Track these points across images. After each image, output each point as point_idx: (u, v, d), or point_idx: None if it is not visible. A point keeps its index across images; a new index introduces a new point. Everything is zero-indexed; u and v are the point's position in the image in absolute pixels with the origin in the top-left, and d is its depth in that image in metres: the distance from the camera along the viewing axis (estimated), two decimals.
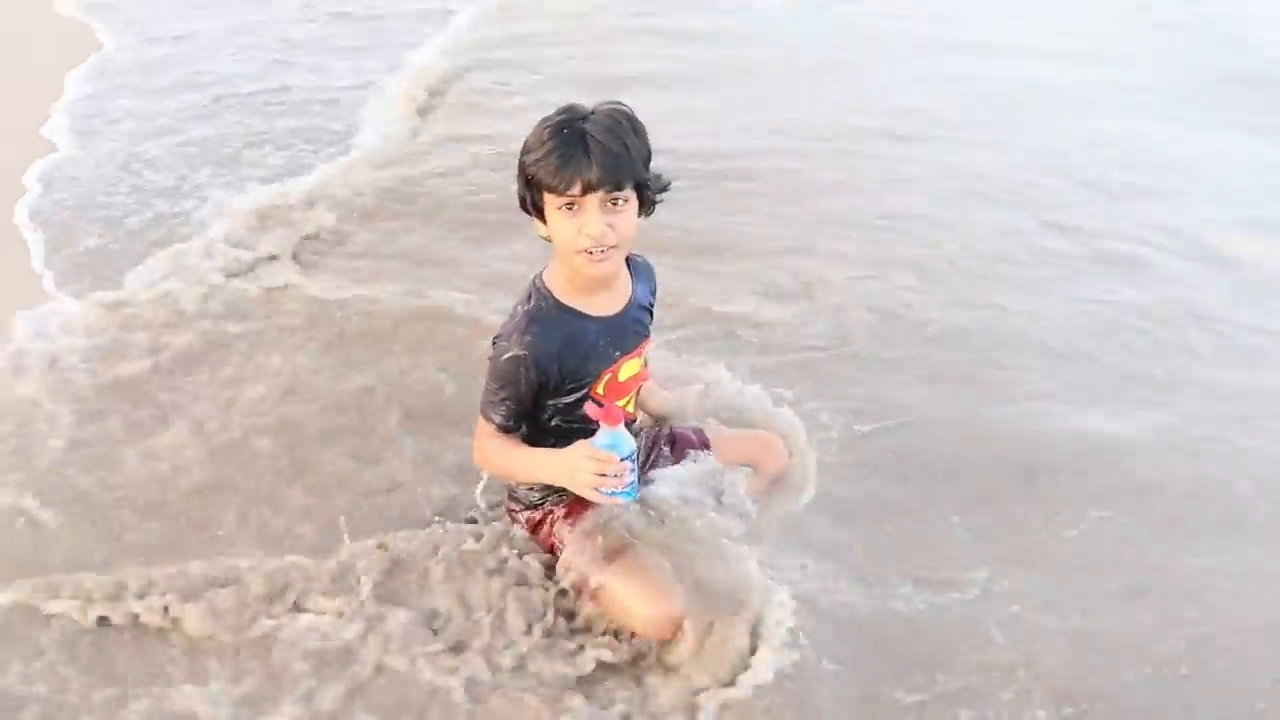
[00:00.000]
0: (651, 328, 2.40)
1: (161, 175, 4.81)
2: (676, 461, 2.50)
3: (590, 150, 1.97)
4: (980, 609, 2.53)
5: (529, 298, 2.19)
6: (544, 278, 2.21)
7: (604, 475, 2.04)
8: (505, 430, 2.23)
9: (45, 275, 3.90)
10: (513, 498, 2.48)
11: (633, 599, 2.20)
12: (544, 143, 1.99)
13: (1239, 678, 2.38)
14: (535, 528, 2.44)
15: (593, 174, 1.97)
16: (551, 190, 2.01)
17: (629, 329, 2.26)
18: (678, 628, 2.19)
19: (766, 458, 2.65)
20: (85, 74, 6.08)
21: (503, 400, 2.20)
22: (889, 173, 5.03)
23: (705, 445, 2.55)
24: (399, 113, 5.55)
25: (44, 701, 2.20)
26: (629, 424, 2.29)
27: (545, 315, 2.16)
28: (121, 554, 2.57)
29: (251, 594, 2.40)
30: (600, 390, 2.23)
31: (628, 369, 2.28)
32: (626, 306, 2.25)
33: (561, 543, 2.33)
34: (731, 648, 2.21)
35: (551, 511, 2.40)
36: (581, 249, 2.04)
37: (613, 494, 2.09)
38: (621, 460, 2.04)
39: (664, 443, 2.54)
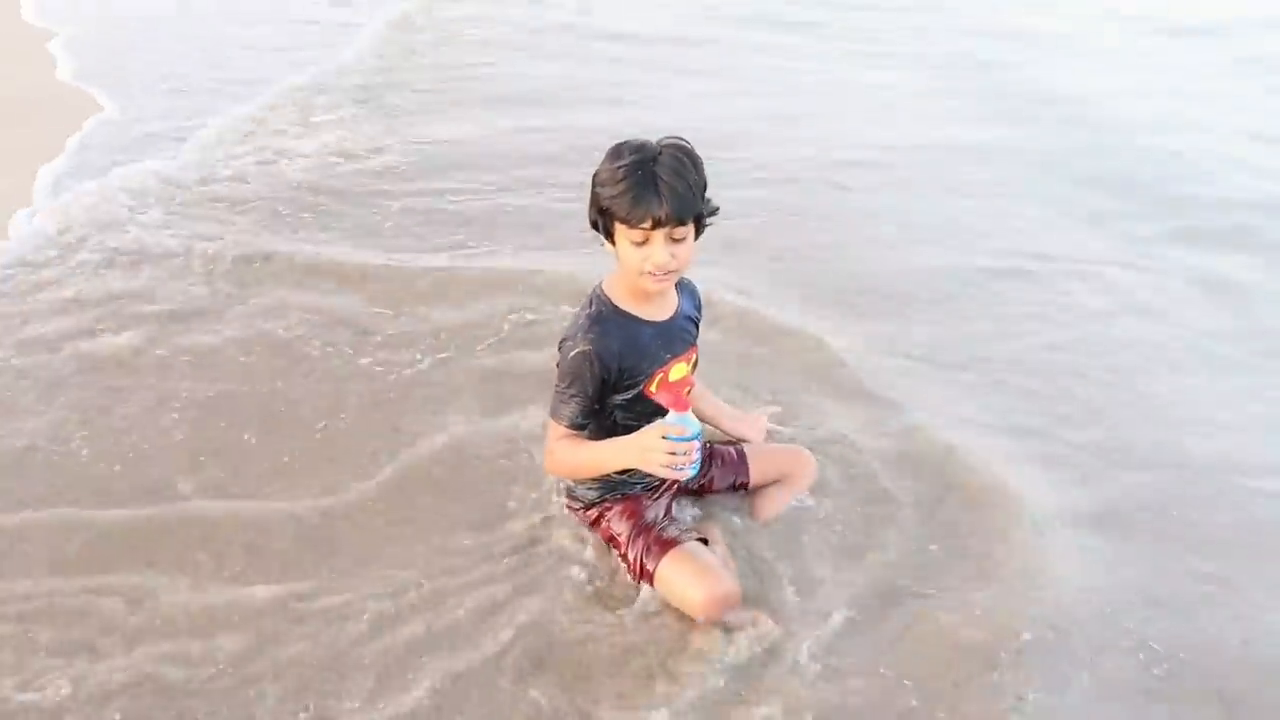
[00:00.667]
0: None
1: None
2: (712, 470, 2.80)
3: (660, 191, 2.23)
4: None
5: (590, 304, 2.47)
6: (604, 287, 2.50)
7: (674, 454, 2.25)
8: (575, 428, 2.46)
9: None
10: (572, 496, 2.72)
11: (689, 583, 2.44)
12: (619, 181, 2.24)
13: None
14: (594, 524, 2.68)
15: (662, 213, 2.24)
16: (624, 223, 2.26)
17: (677, 335, 2.55)
18: (730, 607, 2.43)
19: (798, 470, 2.87)
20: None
21: (572, 397, 2.44)
22: None
23: (743, 458, 2.82)
24: None
25: None
26: None
27: (607, 318, 2.44)
28: None
29: None
30: (654, 388, 2.49)
31: (677, 370, 2.55)
32: (675, 315, 2.55)
33: (618, 535, 2.59)
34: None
35: (609, 507, 2.64)
36: (646, 272, 2.31)
37: (680, 469, 2.28)
38: (689, 440, 2.25)
39: (705, 458, 2.67)
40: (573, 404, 2.43)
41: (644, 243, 2.28)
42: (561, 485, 2.78)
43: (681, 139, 2.33)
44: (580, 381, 2.41)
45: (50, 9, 7.77)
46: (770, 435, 2.99)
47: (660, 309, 2.50)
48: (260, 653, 2.34)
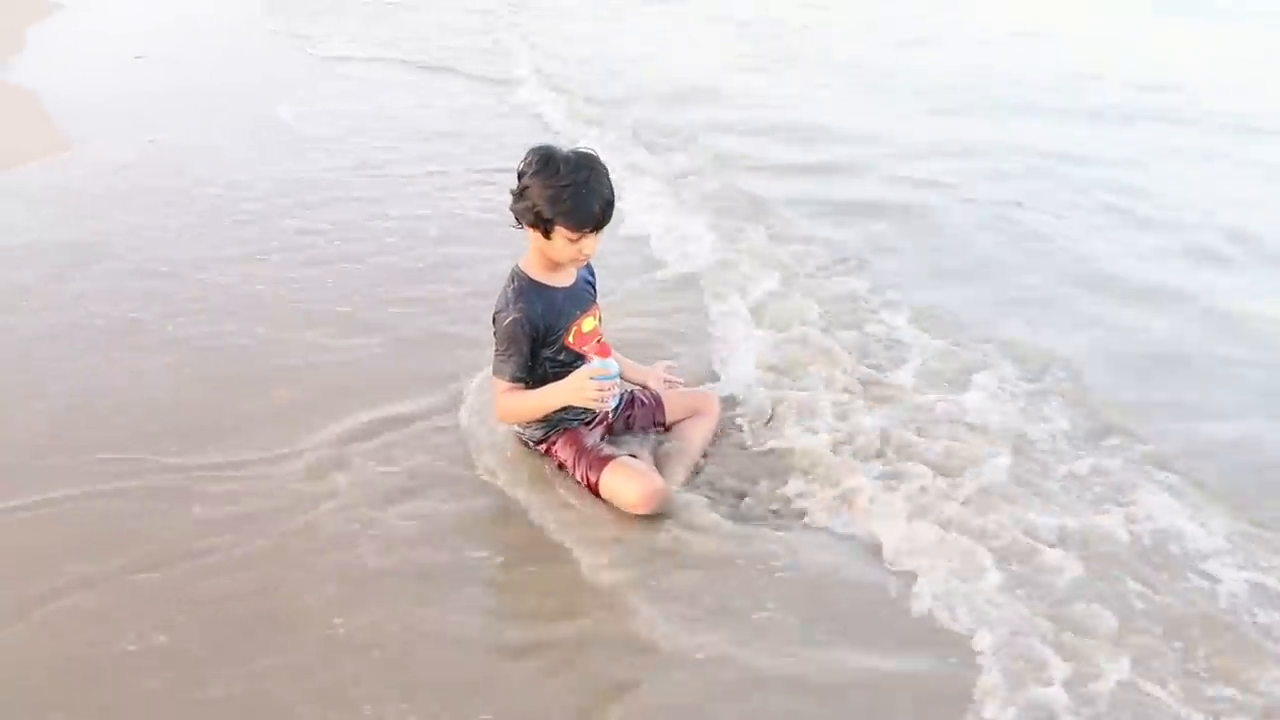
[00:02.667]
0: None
1: None
2: (634, 410, 3.39)
3: (598, 204, 2.90)
4: None
5: (513, 280, 3.07)
6: (521, 266, 3.09)
7: (600, 390, 2.91)
8: (516, 382, 3.04)
9: None
10: (521, 440, 3.27)
11: (626, 485, 3.01)
12: (564, 198, 2.86)
13: None
14: (545, 454, 3.22)
15: (598, 222, 2.93)
16: (567, 225, 2.90)
17: (581, 295, 3.18)
18: (661, 501, 2.99)
19: (707, 408, 3.45)
20: None
21: (510, 357, 3.03)
22: None
23: (659, 402, 3.41)
24: None
25: None
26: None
27: (528, 290, 3.05)
28: None
29: None
30: (570, 339, 3.10)
31: (587, 323, 3.18)
32: (576, 281, 3.17)
33: (565, 459, 3.16)
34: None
35: (554, 440, 3.20)
36: (573, 259, 3.01)
37: (604, 402, 2.94)
38: (611, 379, 2.93)
39: (627, 402, 3.36)
40: (512, 363, 3.03)
41: (577, 238, 2.93)
42: (512, 431, 3.27)
43: (591, 150, 3.02)
44: (516, 343, 3.01)
45: None
46: (669, 385, 3.46)
47: (566, 277, 3.12)
48: None
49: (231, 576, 2.70)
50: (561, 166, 2.88)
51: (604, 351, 2.97)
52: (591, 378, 2.91)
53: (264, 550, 2.80)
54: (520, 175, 2.97)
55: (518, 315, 2.99)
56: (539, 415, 3.11)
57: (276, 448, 3.25)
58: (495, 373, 3.07)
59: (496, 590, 2.76)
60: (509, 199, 3.01)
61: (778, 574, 2.80)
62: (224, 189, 5.58)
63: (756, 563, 2.83)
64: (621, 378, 3.04)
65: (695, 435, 3.36)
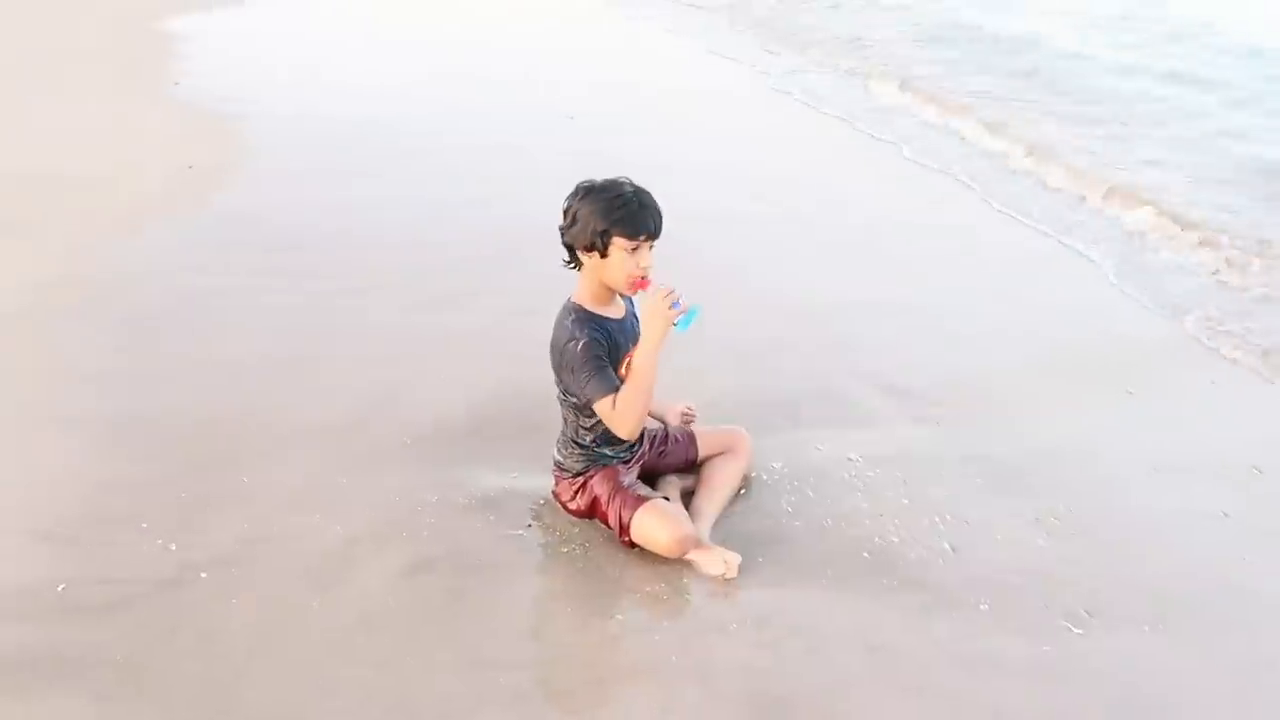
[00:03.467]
0: None
1: None
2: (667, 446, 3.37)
3: (650, 213, 2.93)
4: None
5: (570, 313, 3.03)
6: (574, 299, 3.07)
7: (668, 299, 2.87)
8: (616, 390, 2.96)
9: None
10: (561, 469, 3.21)
11: (659, 528, 2.99)
12: (619, 208, 2.90)
13: None
14: (580, 489, 3.16)
15: (654, 227, 2.94)
16: (625, 237, 2.90)
17: (632, 328, 3.11)
18: (689, 547, 2.98)
19: (739, 446, 3.40)
20: None
21: (599, 369, 2.96)
22: None
23: (692, 439, 3.39)
24: None
25: None
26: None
27: (586, 319, 3.02)
28: None
29: None
30: (624, 370, 3.04)
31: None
32: (626, 315, 3.13)
33: (600, 495, 3.12)
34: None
35: (593, 474, 3.15)
36: (634, 276, 2.94)
37: (687, 321, 2.87)
38: (669, 289, 2.90)
39: (661, 438, 3.37)
40: (604, 373, 2.96)
41: (635, 251, 2.92)
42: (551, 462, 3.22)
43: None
44: (598, 357, 2.96)
45: None
46: (686, 422, 3.42)
47: (617, 310, 3.10)
48: None
49: None
50: (607, 185, 2.97)
51: (643, 283, 2.95)
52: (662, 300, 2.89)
53: None
54: (566, 211, 2.99)
55: (587, 339, 2.97)
56: (651, 387, 2.98)
57: None
58: (595, 394, 2.96)
59: None
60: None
61: None
62: None
63: None
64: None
65: (723, 477, 3.31)
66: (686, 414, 3.42)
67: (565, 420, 3.16)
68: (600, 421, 3.03)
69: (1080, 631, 2.76)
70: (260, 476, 3.32)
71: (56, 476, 3.27)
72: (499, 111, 8.13)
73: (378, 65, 9.51)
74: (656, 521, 2.99)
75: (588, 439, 3.12)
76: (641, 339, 2.95)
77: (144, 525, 3.05)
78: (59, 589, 2.79)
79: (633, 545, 3.03)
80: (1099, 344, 4.58)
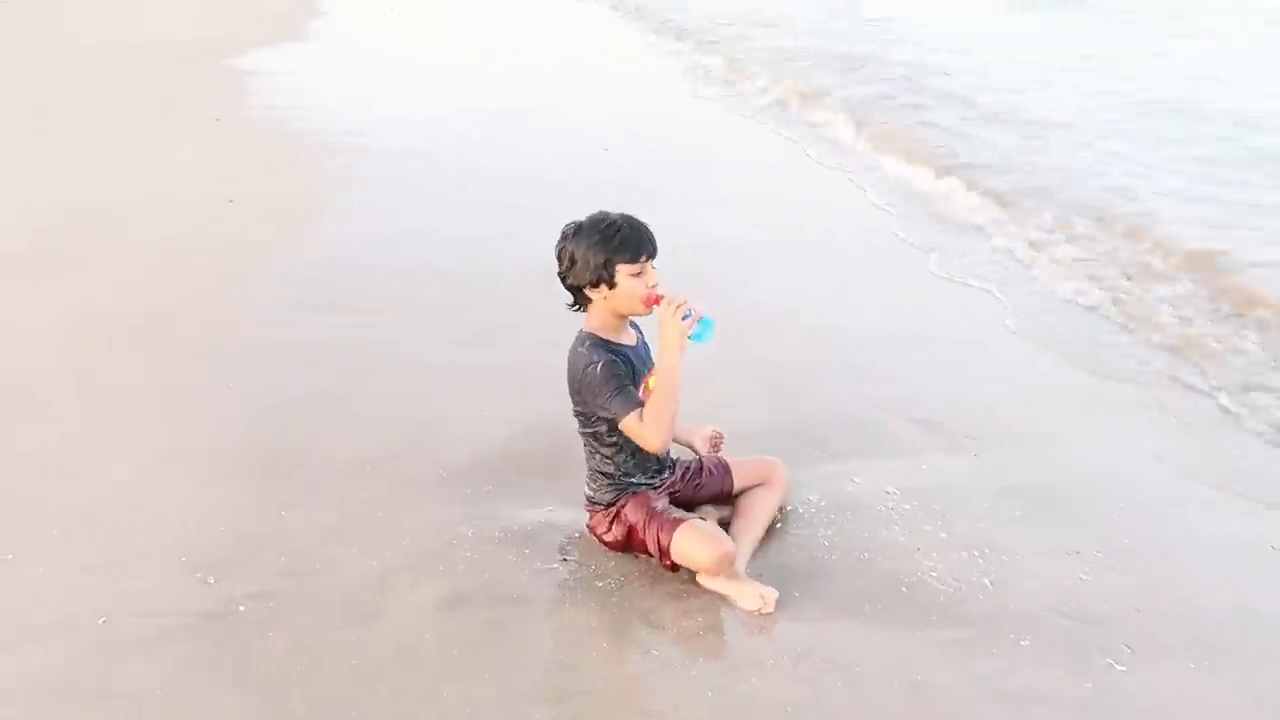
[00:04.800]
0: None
1: None
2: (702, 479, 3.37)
3: (646, 233, 3.01)
4: None
5: (583, 342, 3.07)
6: (585, 329, 3.11)
7: (680, 309, 2.90)
8: (640, 406, 2.98)
9: None
10: (593, 502, 3.23)
11: (698, 547, 3.01)
12: (614, 235, 2.96)
13: None
14: (615, 519, 3.17)
15: (652, 246, 3.02)
16: (629, 262, 2.96)
17: (645, 354, 3.19)
18: (730, 562, 3.00)
19: (775, 476, 3.40)
20: None
21: (621, 388, 2.99)
22: None
23: (727, 469, 3.38)
24: None
25: None
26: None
27: (599, 345, 3.06)
28: None
29: None
30: (641, 394, 3.04)
31: (652, 381, 3.10)
32: (638, 343, 3.20)
33: (635, 522, 3.13)
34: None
35: (625, 502, 3.16)
36: (645, 296, 2.98)
37: (701, 332, 2.91)
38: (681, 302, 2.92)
39: (696, 469, 3.38)
40: (626, 391, 2.99)
41: (640, 273, 2.97)
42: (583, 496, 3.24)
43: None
44: (619, 376, 2.99)
45: None
46: (715, 446, 3.38)
47: (629, 337, 3.15)
48: None
49: None
50: (594, 219, 3.02)
51: (655, 299, 2.98)
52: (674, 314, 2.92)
53: None
54: (561, 255, 3.04)
55: (604, 359, 3.01)
56: (676, 395, 2.97)
57: None
58: (621, 412, 2.97)
59: None
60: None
61: None
62: None
63: None
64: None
65: (760, 508, 3.30)
66: (714, 438, 3.40)
67: (589, 454, 3.18)
68: (622, 449, 3.08)
69: (1123, 668, 2.72)
70: (297, 510, 3.34)
71: (95, 510, 3.31)
72: (534, 143, 8.23)
73: (417, 98, 9.68)
74: (696, 540, 3.00)
75: (612, 468, 3.13)
76: (660, 350, 2.96)
77: (183, 559, 3.08)
78: (100, 621, 2.82)
79: (675, 568, 3.05)
80: (1131, 372, 4.56)
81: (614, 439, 3.08)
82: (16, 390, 4.10)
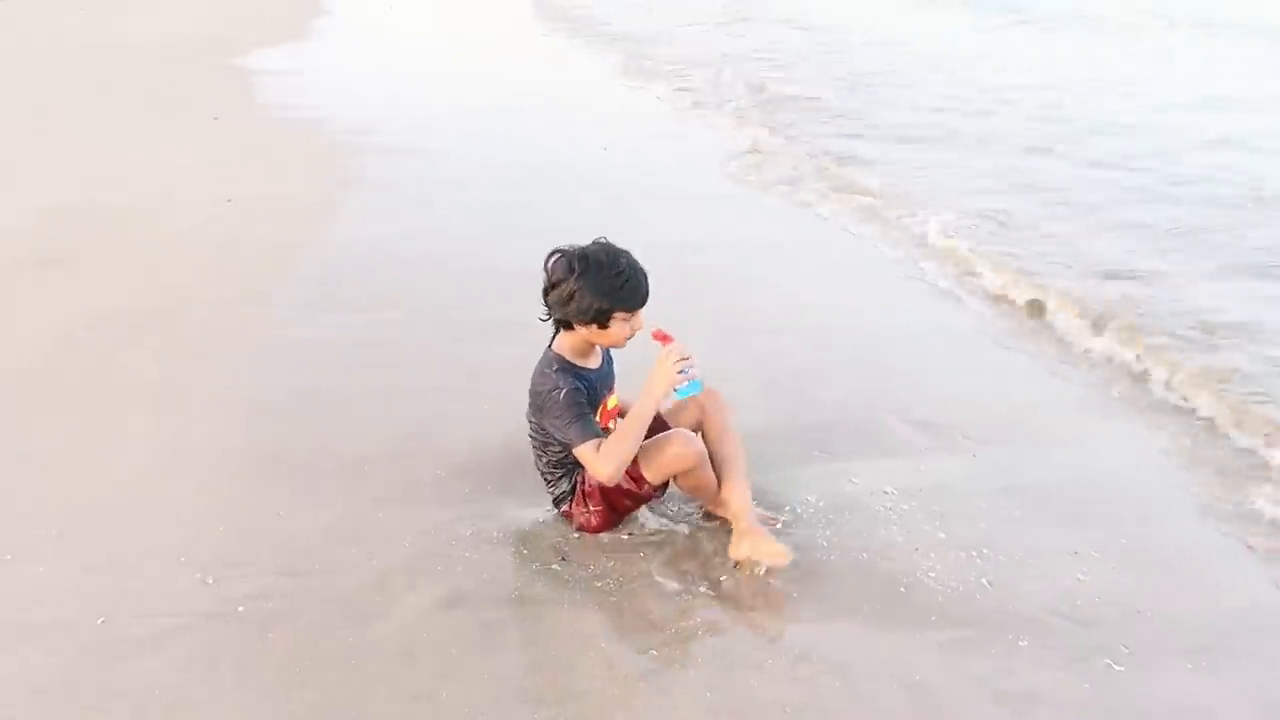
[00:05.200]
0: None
1: None
2: None
3: (644, 281, 3.06)
4: None
5: (552, 364, 3.13)
6: (555, 350, 3.17)
7: (683, 362, 2.97)
8: (598, 437, 3.05)
9: None
10: (558, 499, 3.30)
11: (662, 450, 3.09)
12: (622, 285, 2.99)
13: None
14: (585, 498, 3.22)
15: (646, 295, 3.06)
16: (626, 310, 3.03)
17: (608, 375, 3.29)
18: (698, 450, 3.11)
19: (714, 408, 3.33)
20: None
21: (580, 416, 3.05)
22: None
23: (660, 419, 3.28)
24: None
25: None
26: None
27: (567, 369, 3.12)
28: None
29: None
30: (597, 416, 3.15)
31: (611, 401, 3.28)
32: (602, 364, 3.25)
33: (586, 497, 3.21)
34: None
35: (582, 481, 3.22)
36: (655, 332, 3.07)
37: (687, 390, 3.01)
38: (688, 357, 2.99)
39: None
40: (585, 420, 3.05)
41: (630, 318, 3.04)
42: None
43: (601, 239, 3.10)
44: (579, 405, 3.05)
45: None
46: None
47: (595, 360, 3.21)
48: None
49: None
50: (603, 261, 3.01)
51: (665, 338, 3.04)
52: (673, 360, 2.97)
53: None
54: (556, 285, 3.03)
55: (570, 387, 3.06)
56: (641, 436, 3.04)
57: None
58: (578, 440, 3.04)
59: None
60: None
61: None
62: None
63: None
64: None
65: (722, 443, 3.27)
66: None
67: (538, 456, 3.25)
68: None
69: (1121, 669, 2.72)
70: (297, 510, 3.34)
71: (95, 510, 3.31)
72: (534, 145, 8.23)
73: (421, 96, 9.69)
74: (657, 447, 3.07)
75: (561, 455, 3.18)
76: (644, 390, 3.02)
77: (183, 559, 3.08)
78: (99, 621, 2.82)
79: (663, 488, 3.20)
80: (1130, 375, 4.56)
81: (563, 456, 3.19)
82: (17, 389, 4.11)
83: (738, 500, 3.16)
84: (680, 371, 2.97)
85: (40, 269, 5.33)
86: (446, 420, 3.92)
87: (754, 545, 3.03)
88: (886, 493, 3.48)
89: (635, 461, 3.07)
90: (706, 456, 3.15)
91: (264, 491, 3.44)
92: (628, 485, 3.12)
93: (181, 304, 4.93)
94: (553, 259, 3.05)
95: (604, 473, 3.02)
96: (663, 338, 3.04)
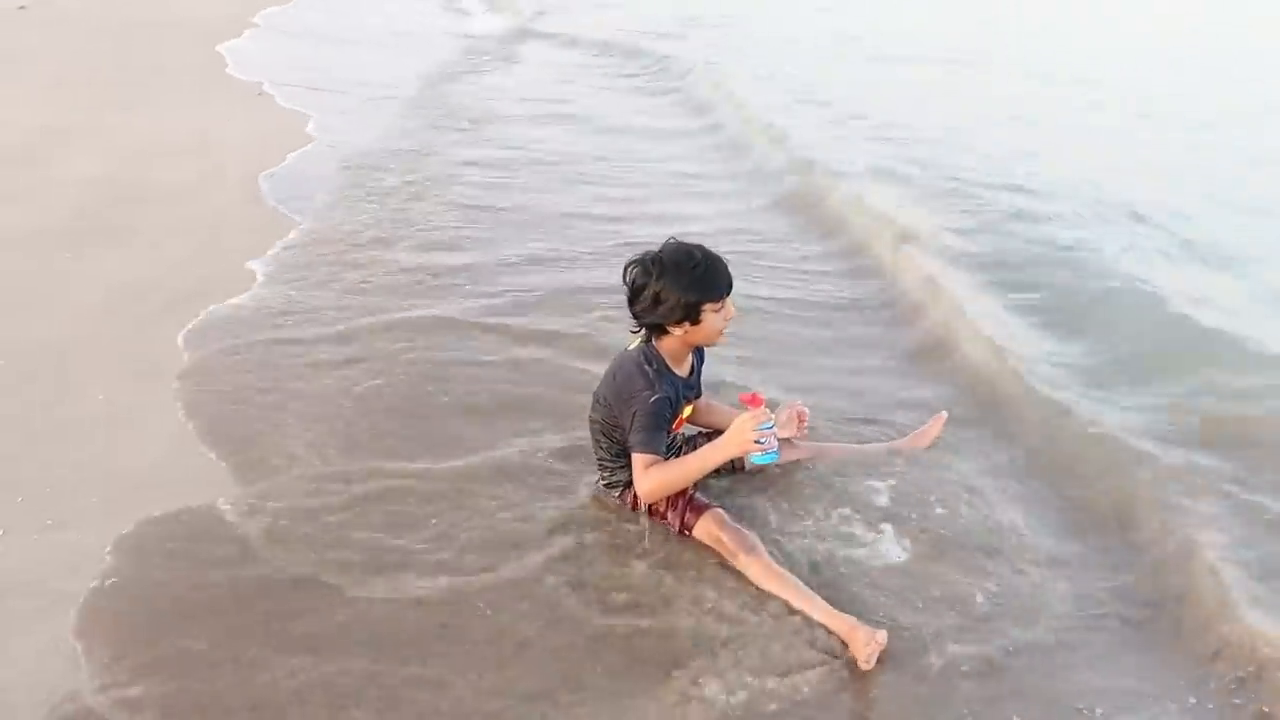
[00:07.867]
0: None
1: None
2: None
3: (724, 268, 3.10)
4: None
5: (650, 362, 3.14)
6: (657, 348, 3.17)
7: (762, 437, 2.95)
8: (660, 455, 3.10)
9: None
10: (609, 485, 3.36)
11: (720, 534, 3.11)
12: (700, 277, 3.03)
13: None
14: (633, 504, 3.30)
15: (730, 280, 3.11)
16: (714, 300, 3.05)
17: (693, 389, 3.35)
18: (753, 546, 3.07)
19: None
20: None
21: (657, 431, 3.09)
22: None
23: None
24: None
25: None
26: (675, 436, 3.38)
27: (664, 374, 3.15)
28: None
29: None
30: (674, 425, 3.23)
31: (687, 410, 3.35)
32: (690, 373, 3.31)
33: (658, 503, 3.22)
34: None
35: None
36: (749, 397, 3.03)
37: (763, 458, 2.99)
38: (769, 429, 2.97)
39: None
40: (657, 434, 3.10)
41: (720, 309, 3.07)
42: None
43: (672, 239, 3.15)
44: (659, 416, 3.09)
45: None
46: (801, 427, 3.52)
47: (685, 367, 3.27)
48: None
49: None
50: (679, 259, 3.03)
51: (756, 402, 3.01)
52: (753, 427, 2.95)
53: None
54: (641, 289, 3.07)
55: (661, 395, 3.08)
56: (691, 480, 3.14)
57: None
58: (642, 447, 3.08)
59: None
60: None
61: None
62: None
63: None
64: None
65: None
66: (799, 415, 3.48)
67: (598, 443, 3.29)
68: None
69: None
70: (309, 498, 3.35)
71: (134, 477, 3.41)
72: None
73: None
74: (717, 527, 3.10)
75: (624, 447, 3.19)
76: (717, 444, 3.05)
77: (208, 529, 3.16)
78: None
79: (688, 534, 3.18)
80: None
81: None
82: (59, 358, 4.20)
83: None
84: (758, 441, 2.95)
85: (82, 242, 5.43)
86: (456, 413, 3.95)
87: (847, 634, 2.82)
88: (885, 493, 3.50)
89: (694, 522, 3.14)
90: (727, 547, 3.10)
91: (278, 475, 3.46)
92: (659, 508, 3.20)
93: (220, 281, 4.96)
94: (629, 269, 3.09)
95: (643, 489, 3.09)
96: (752, 400, 3.02)
